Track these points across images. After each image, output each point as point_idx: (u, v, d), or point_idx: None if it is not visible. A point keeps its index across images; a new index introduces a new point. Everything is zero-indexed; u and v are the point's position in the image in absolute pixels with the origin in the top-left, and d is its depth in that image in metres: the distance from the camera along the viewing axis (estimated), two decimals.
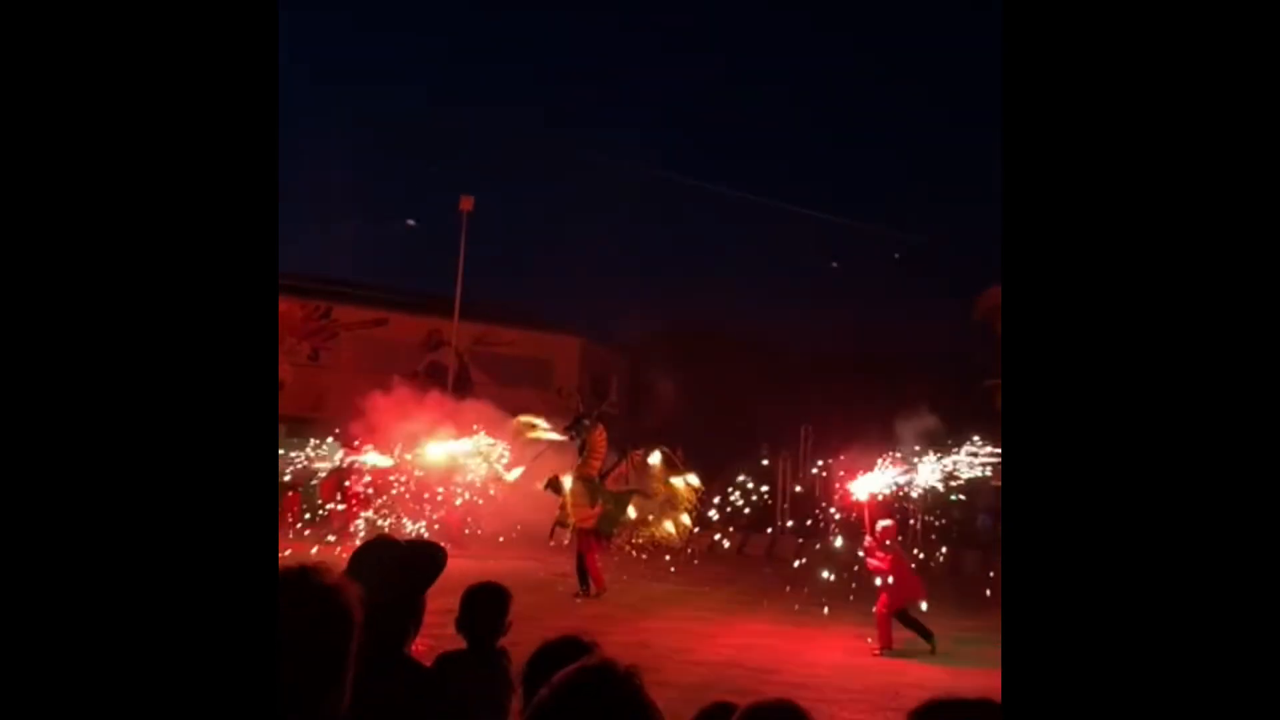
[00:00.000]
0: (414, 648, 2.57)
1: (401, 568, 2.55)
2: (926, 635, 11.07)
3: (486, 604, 3.39)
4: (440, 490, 17.02)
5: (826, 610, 13.36)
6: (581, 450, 15.26)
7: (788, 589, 15.18)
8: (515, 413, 18.22)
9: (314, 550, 12.28)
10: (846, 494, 13.94)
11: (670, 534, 15.55)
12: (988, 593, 13.32)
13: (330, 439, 20.03)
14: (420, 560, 2.62)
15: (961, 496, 23.12)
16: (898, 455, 14.30)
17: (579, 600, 13.61)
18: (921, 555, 17.68)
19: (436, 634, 2.49)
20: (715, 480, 20.37)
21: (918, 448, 14.85)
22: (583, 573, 14.15)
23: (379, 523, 16.24)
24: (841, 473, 14.75)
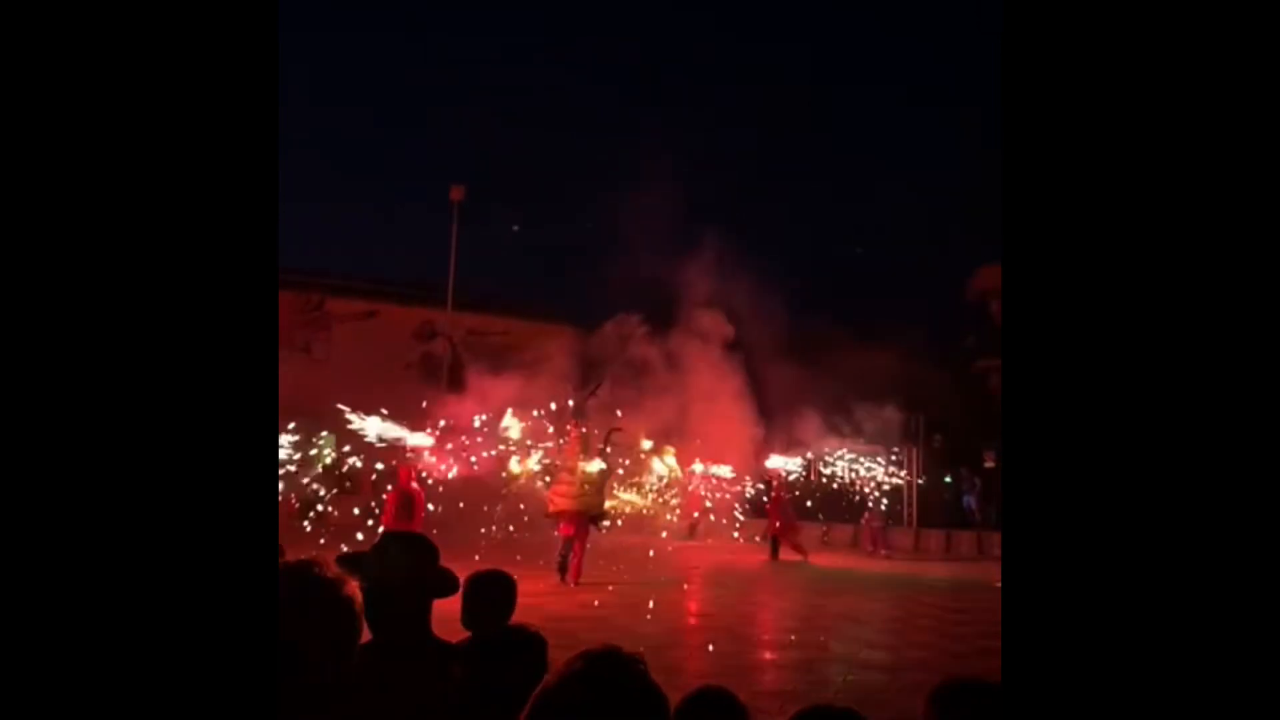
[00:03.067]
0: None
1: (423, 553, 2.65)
2: None
3: (493, 592, 3.38)
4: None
5: None
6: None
7: None
8: (509, 402, 18.33)
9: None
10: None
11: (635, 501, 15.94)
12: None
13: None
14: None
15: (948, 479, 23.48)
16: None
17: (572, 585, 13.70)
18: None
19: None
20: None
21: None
22: (566, 559, 14.13)
23: None
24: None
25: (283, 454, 18.89)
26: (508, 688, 2.44)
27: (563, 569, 14.04)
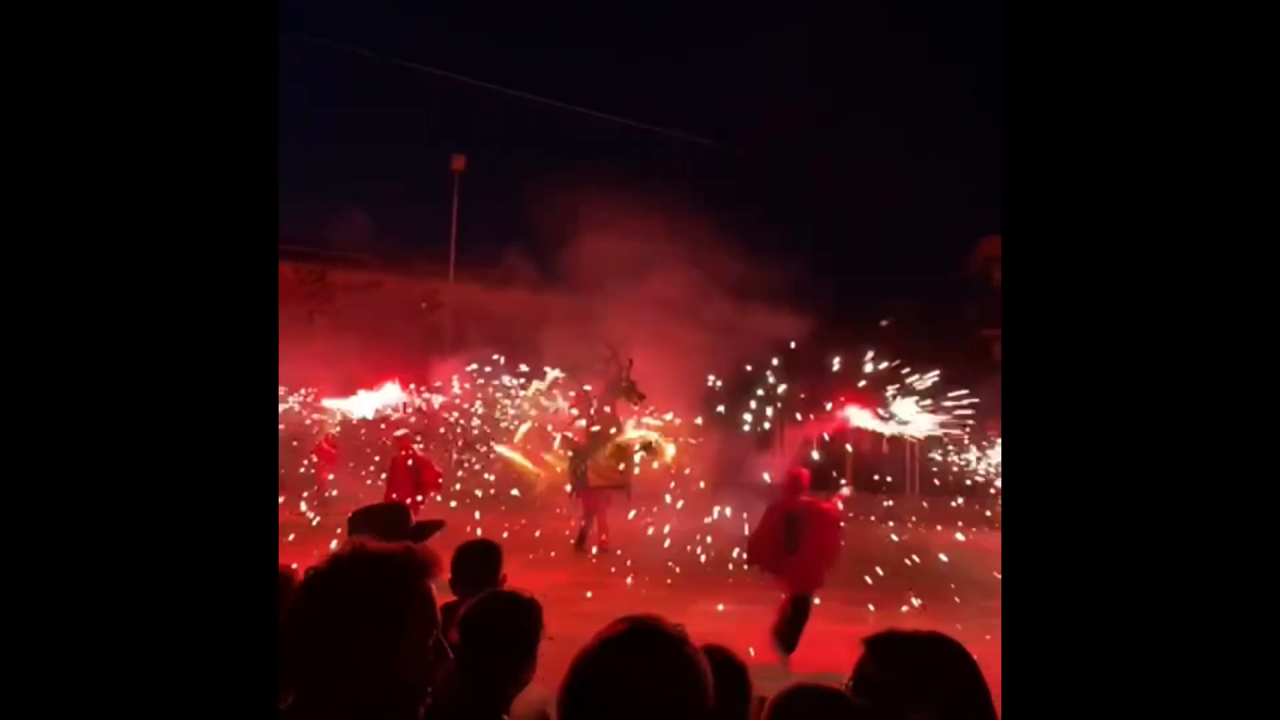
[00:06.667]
0: None
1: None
2: None
3: (479, 560, 3.47)
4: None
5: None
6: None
7: None
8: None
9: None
10: None
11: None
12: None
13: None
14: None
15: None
16: None
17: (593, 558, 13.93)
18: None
19: None
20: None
21: None
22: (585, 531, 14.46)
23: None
24: None
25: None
26: (499, 651, 2.50)
27: (581, 541, 14.33)
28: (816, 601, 8.04)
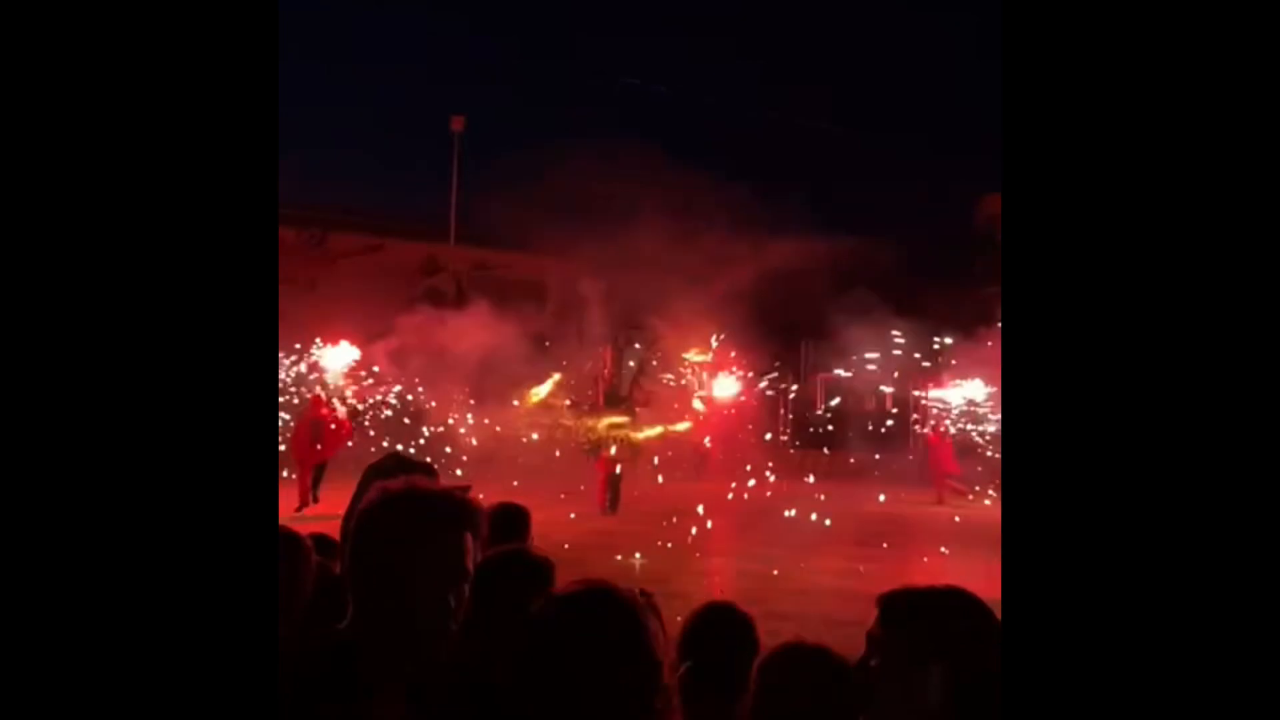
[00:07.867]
0: None
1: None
2: None
3: (506, 523, 3.46)
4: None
5: None
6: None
7: None
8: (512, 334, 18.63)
9: None
10: None
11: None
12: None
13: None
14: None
15: None
16: None
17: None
18: None
19: None
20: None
21: None
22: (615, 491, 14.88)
23: None
24: None
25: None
26: (511, 609, 2.52)
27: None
28: None
